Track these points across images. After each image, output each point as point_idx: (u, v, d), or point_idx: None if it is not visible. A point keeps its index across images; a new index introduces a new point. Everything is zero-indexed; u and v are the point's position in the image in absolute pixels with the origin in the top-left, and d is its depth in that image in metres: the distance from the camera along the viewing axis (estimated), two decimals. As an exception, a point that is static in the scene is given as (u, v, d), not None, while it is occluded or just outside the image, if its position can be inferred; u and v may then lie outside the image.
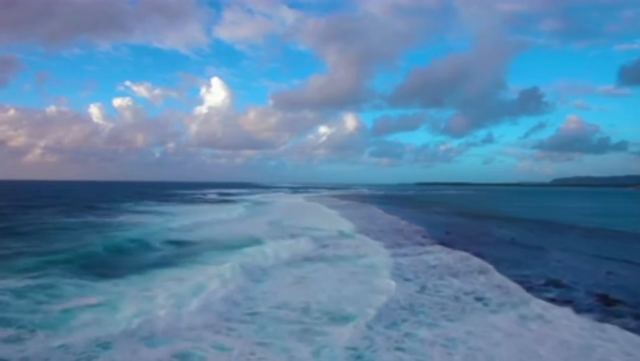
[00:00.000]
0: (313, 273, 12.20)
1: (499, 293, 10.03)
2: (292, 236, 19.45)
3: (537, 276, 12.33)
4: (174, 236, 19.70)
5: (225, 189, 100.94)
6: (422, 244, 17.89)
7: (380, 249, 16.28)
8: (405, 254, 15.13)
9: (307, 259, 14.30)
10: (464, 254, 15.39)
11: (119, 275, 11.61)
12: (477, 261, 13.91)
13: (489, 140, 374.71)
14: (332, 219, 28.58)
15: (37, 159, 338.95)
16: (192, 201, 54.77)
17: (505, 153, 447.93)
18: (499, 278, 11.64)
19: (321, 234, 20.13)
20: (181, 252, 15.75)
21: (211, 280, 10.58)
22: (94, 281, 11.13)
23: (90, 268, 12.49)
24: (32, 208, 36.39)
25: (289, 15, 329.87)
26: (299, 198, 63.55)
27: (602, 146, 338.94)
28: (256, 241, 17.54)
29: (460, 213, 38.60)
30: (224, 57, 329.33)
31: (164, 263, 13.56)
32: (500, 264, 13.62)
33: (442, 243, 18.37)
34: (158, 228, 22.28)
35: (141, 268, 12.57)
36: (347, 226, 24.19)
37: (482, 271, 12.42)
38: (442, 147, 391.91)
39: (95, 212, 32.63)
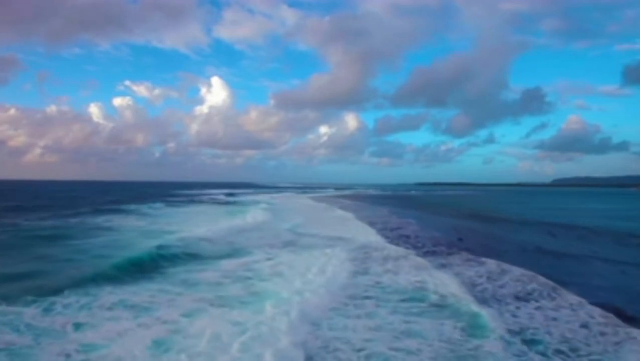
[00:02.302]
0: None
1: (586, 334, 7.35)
2: (324, 246, 16.21)
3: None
4: (187, 250, 15.10)
5: (229, 190, 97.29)
6: (439, 253, 15.29)
7: (424, 262, 13.70)
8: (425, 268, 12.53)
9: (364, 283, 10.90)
10: (490, 267, 12.83)
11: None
12: (512, 278, 11.26)
13: (490, 140, 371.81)
14: (351, 224, 25.64)
15: (37, 159, 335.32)
16: (199, 202, 51.26)
17: (505, 153, 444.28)
18: (562, 303, 8.97)
19: (351, 246, 16.55)
20: (201, 277, 11.23)
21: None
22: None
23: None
24: (22, 210, 33.77)
25: (289, 15, 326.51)
26: (308, 200, 59.26)
27: (603, 146, 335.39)
28: (289, 259, 13.89)
29: (469, 215, 35.97)
30: (224, 56, 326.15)
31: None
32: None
33: (459, 251, 15.81)
34: (166, 240, 17.21)
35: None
36: (369, 232, 21.53)
37: (532, 294, 9.75)
38: (443, 147, 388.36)
39: (95, 215, 29.35)
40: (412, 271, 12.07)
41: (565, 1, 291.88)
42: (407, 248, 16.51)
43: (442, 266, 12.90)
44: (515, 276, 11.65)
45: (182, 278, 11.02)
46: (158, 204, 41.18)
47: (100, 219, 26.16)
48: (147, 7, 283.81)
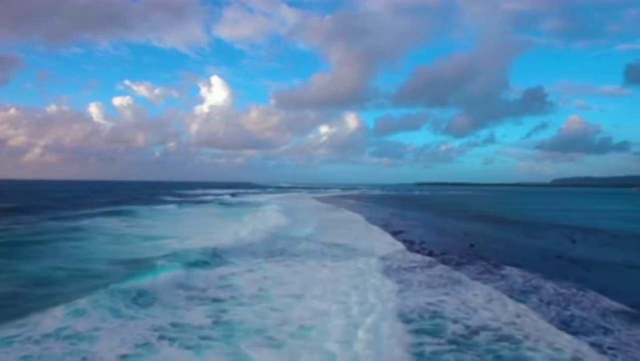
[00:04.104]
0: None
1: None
2: (355, 259, 13.82)
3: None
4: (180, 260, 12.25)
5: (233, 190, 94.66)
6: (451, 263, 13.16)
7: (435, 276, 11.57)
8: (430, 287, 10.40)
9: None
10: (515, 280, 10.75)
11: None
12: (545, 296, 9.12)
13: (490, 140, 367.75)
14: (365, 228, 23.43)
15: (37, 158, 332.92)
16: (201, 202, 48.57)
17: (506, 153, 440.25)
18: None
19: (375, 259, 13.85)
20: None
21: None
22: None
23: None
24: (8, 212, 31.59)
25: (289, 14, 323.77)
26: (316, 201, 54.85)
27: (603, 147, 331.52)
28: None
29: (477, 217, 33.86)
30: (224, 56, 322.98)
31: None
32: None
33: (475, 260, 13.77)
34: (149, 250, 14.91)
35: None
36: (386, 238, 19.35)
37: (573, 322, 7.54)
38: (444, 147, 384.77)
39: (83, 217, 26.90)
40: (422, 289, 9.97)
41: (566, 1, 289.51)
42: (414, 257, 14.45)
43: (458, 282, 10.81)
44: (549, 293, 9.58)
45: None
46: (160, 206, 38.56)
47: (87, 223, 23.95)
48: (148, 6, 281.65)
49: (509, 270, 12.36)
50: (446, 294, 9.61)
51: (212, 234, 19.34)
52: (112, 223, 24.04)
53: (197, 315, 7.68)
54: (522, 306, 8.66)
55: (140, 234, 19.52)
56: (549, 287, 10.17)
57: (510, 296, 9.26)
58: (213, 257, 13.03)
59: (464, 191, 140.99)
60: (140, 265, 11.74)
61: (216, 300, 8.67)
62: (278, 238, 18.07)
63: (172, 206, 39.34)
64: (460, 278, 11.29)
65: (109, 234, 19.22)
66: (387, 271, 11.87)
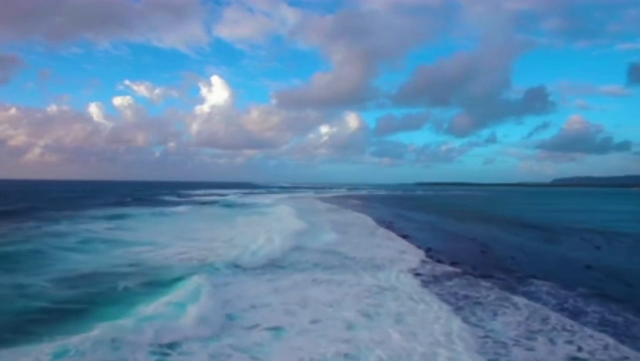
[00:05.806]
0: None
1: None
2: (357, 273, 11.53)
3: None
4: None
5: (236, 190, 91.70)
6: (463, 275, 11.14)
7: (446, 294, 9.52)
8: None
9: None
10: (546, 302, 8.73)
11: None
12: (596, 322, 7.12)
13: (492, 140, 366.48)
14: (380, 233, 21.07)
15: (37, 158, 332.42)
16: (206, 203, 46.07)
17: (507, 153, 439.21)
18: None
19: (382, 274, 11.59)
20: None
21: None
22: None
23: None
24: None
25: (289, 14, 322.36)
26: (326, 203, 49.70)
27: (604, 146, 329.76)
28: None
29: (484, 219, 31.81)
30: (224, 56, 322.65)
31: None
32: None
33: (492, 271, 11.77)
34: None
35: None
36: (405, 244, 17.34)
37: None
38: (444, 147, 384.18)
39: (76, 221, 24.53)
40: (436, 316, 7.96)
41: (567, 1, 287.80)
42: (421, 269, 12.47)
43: (477, 303, 8.81)
44: (594, 323, 7.56)
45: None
46: (155, 208, 35.96)
47: (69, 226, 21.75)
48: (148, 6, 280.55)
49: (535, 286, 10.39)
50: (464, 320, 7.63)
51: (197, 241, 17.29)
52: (94, 226, 22.03)
53: (138, 353, 5.69)
54: (574, 343, 6.60)
55: (116, 239, 17.50)
56: (592, 311, 8.17)
57: (553, 328, 7.19)
58: (186, 270, 11.08)
59: (465, 191, 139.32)
60: (91, 282, 9.75)
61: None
62: (292, 249, 15.32)
63: (168, 208, 36.91)
64: (479, 296, 9.32)
65: (81, 238, 17.18)
66: (397, 290, 9.89)
